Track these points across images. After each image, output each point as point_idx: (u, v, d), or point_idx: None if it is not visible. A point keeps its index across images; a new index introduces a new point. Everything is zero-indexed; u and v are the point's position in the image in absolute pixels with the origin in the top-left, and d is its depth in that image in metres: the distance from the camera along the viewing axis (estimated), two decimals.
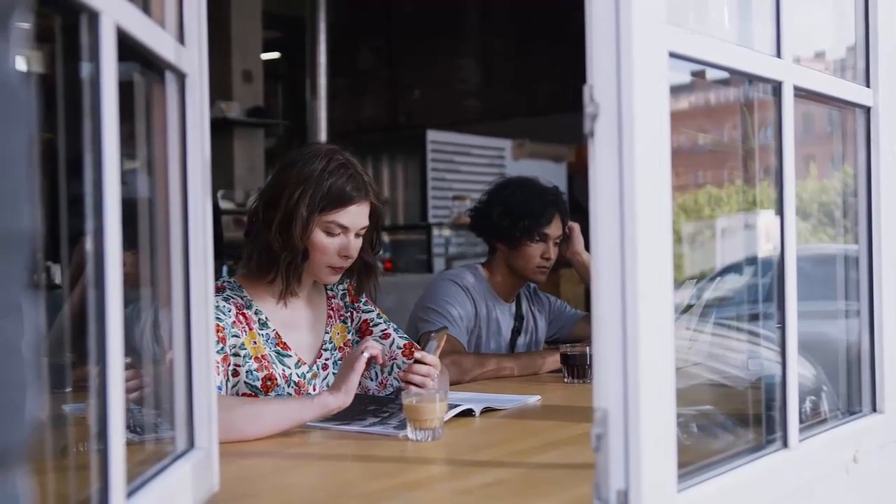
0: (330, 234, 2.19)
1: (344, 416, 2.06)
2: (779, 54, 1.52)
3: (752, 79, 1.56)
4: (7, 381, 0.57)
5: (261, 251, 2.20)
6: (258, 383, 2.17)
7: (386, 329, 2.40)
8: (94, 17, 0.99)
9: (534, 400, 2.37)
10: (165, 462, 1.30)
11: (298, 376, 2.24)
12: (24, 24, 0.61)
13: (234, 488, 1.51)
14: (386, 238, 7.71)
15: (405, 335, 2.42)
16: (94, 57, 1.00)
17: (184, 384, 1.38)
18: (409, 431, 1.88)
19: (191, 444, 1.38)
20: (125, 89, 1.08)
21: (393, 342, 2.36)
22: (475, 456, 1.81)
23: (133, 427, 1.34)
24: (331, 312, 2.38)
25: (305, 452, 1.83)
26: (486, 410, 2.20)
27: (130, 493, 1.10)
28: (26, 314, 0.60)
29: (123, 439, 1.04)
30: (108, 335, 1.01)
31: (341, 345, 2.37)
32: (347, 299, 2.42)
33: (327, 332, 2.35)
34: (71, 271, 1.48)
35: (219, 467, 1.45)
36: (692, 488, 1.29)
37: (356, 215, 2.21)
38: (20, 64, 0.60)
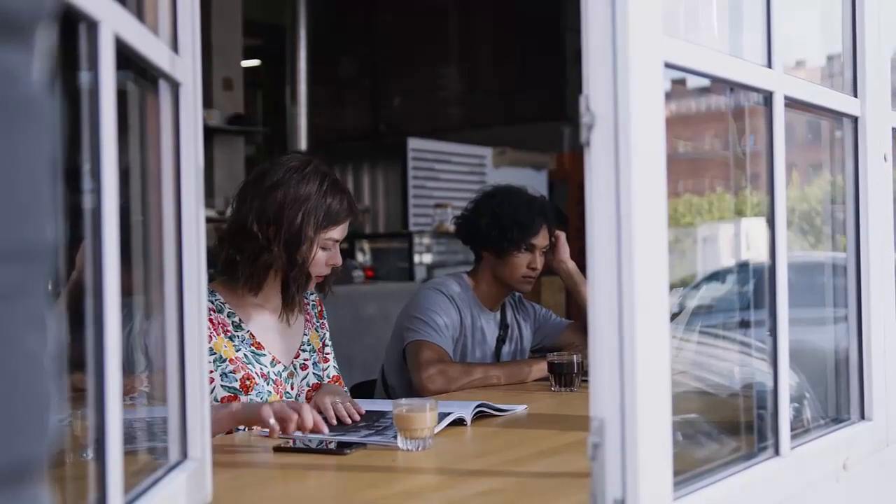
0: (324, 248, 2.31)
1: (338, 429, 2.05)
2: (769, 64, 1.53)
3: (744, 89, 1.57)
4: (32, 393, 0.57)
5: (262, 269, 2.27)
6: (237, 384, 2.23)
7: (329, 354, 2.53)
8: (93, 26, 0.98)
9: (521, 409, 2.37)
10: (159, 473, 1.29)
11: (276, 374, 2.31)
12: (47, 36, 0.61)
13: (227, 499, 1.50)
14: (367, 246, 7.70)
15: (337, 367, 2.54)
16: (93, 66, 0.99)
17: (177, 395, 1.37)
18: (400, 441, 1.88)
19: (184, 454, 1.37)
20: (118, 98, 1.08)
21: (327, 369, 2.48)
22: (467, 465, 1.81)
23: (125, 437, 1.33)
24: (307, 317, 2.48)
25: (297, 463, 1.83)
26: (479, 415, 2.20)
27: None
28: (49, 326, 0.60)
29: (121, 451, 1.03)
30: (106, 346, 1.01)
31: (318, 348, 2.48)
32: (316, 311, 2.53)
33: (305, 334, 2.44)
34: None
35: (212, 478, 1.44)
36: (687, 496, 1.29)
37: (346, 228, 2.35)
38: (43, 75, 0.60)
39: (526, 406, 2.39)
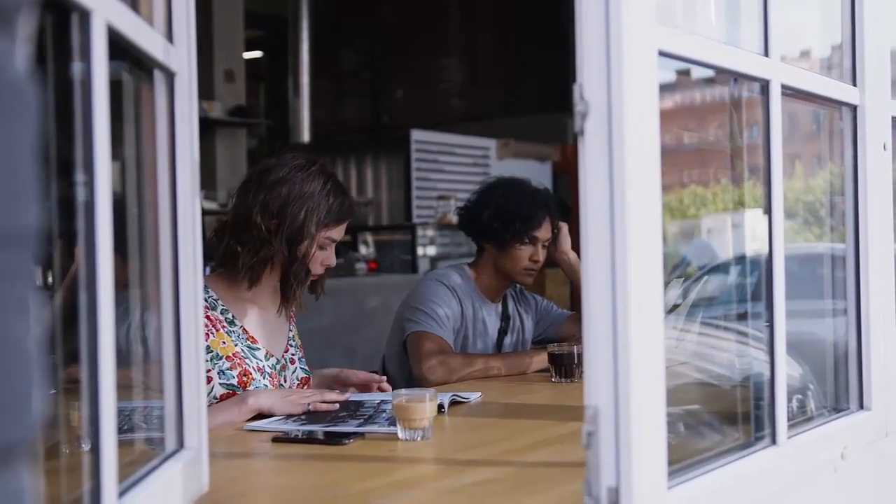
0: (321, 248, 2.34)
1: (323, 421, 2.05)
2: (766, 53, 1.53)
3: (740, 77, 1.57)
4: (15, 377, 0.58)
5: (262, 261, 2.29)
6: (234, 380, 2.26)
7: (300, 354, 2.52)
8: (85, 16, 0.98)
9: (476, 396, 2.38)
10: (155, 462, 1.30)
11: (270, 368, 2.35)
12: (29, 23, 0.61)
13: (224, 489, 1.51)
14: (370, 238, 7.71)
15: (307, 368, 2.52)
16: (86, 56, 0.99)
17: (173, 385, 1.37)
18: (399, 431, 1.88)
19: (180, 444, 1.38)
20: (112, 88, 1.08)
21: (295, 370, 2.47)
22: (465, 455, 1.81)
23: (121, 427, 1.33)
24: (291, 315, 2.51)
25: (294, 453, 1.83)
26: (454, 403, 2.25)
27: (121, 494, 1.10)
28: (33, 311, 0.60)
29: (115, 440, 1.04)
30: (100, 336, 1.01)
31: (299, 345, 2.52)
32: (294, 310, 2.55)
33: (291, 330, 2.49)
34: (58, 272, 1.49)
35: (208, 467, 1.44)
36: (682, 485, 1.29)
37: (343, 230, 2.39)
38: (25, 62, 0.60)
39: (480, 394, 2.41)
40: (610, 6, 1.16)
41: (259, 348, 2.34)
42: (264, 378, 2.31)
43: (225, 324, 2.30)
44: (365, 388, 2.44)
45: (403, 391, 1.97)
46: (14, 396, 0.57)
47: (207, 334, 2.23)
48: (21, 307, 0.58)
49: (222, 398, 2.22)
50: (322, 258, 2.35)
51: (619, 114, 1.16)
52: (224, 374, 2.24)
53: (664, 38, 1.25)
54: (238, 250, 2.29)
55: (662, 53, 1.25)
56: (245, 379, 2.26)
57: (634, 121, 1.17)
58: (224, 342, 2.28)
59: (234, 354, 2.27)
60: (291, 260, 2.29)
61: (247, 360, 2.29)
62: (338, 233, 2.36)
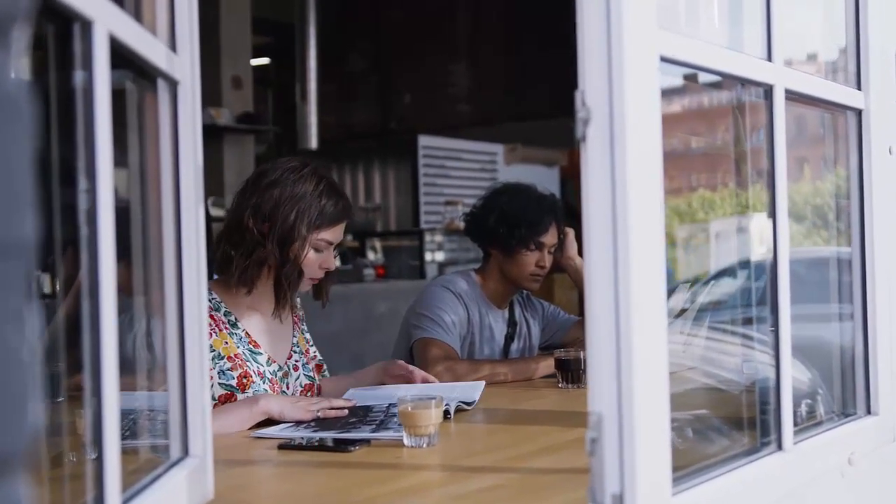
0: (317, 250, 2.34)
1: (334, 428, 2.05)
2: (770, 57, 1.52)
3: (743, 82, 1.57)
4: (9, 387, 0.58)
5: (255, 264, 2.29)
6: (234, 382, 2.26)
7: (304, 360, 2.51)
8: (87, 25, 0.99)
9: (479, 389, 2.40)
10: (160, 470, 1.30)
11: (271, 374, 2.35)
12: (24, 34, 0.62)
13: (229, 496, 1.51)
14: (378, 244, 7.71)
15: (312, 375, 2.52)
16: (88, 65, 1.00)
17: (178, 393, 1.38)
18: (405, 438, 1.88)
19: (185, 452, 1.38)
20: (116, 97, 1.08)
21: (298, 377, 2.47)
22: (471, 461, 1.81)
23: (125, 434, 1.33)
24: (296, 320, 2.52)
25: (300, 460, 1.83)
26: (459, 410, 2.24)
27: (125, 502, 1.10)
28: (28, 321, 0.60)
29: (119, 448, 1.04)
30: (103, 344, 1.01)
31: (305, 350, 2.51)
32: (302, 315, 2.56)
33: (294, 336, 2.48)
34: (64, 280, 1.49)
35: (213, 475, 1.44)
36: (687, 491, 1.29)
37: (341, 232, 2.38)
38: (21, 73, 0.61)
39: (483, 383, 2.43)
40: (611, 11, 1.16)
41: (261, 353, 2.34)
42: (264, 382, 2.30)
43: (228, 325, 2.31)
44: (405, 380, 2.47)
45: (409, 397, 1.97)
46: (9, 407, 0.57)
47: (210, 333, 2.23)
48: (17, 318, 0.58)
49: (221, 399, 2.22)
50: (319, 261, 2.34)
51: (621, 119, 1.16)
52: (224, 374, 2.25)
53: (666, 42, 1.25)
54: (232, 254, 2.29)
55: (664, 59, 1.25)
56: (245, 381, 2.26)
57: (636, 127, 1.17)
58: (226, 342, 2.28)
59: (235, 355, 2.28)
60: (283, 261, 2.29)
61: (248, 363, 2.29)
62: (332, 235, 2.34)
